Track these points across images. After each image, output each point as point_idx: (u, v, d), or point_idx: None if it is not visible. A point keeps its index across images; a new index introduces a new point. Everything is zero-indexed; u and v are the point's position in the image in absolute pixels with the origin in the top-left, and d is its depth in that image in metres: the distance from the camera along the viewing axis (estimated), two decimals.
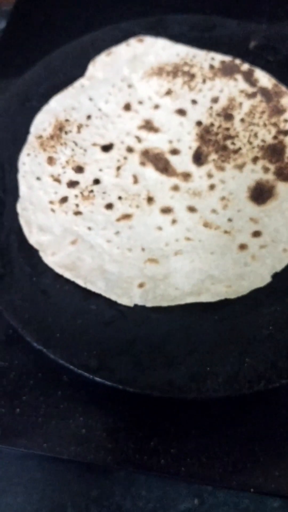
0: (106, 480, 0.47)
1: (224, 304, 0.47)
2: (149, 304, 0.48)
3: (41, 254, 0.51)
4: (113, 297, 0.48)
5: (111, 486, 0.46)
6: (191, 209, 0.54)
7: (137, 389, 0.42)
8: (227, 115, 0.61)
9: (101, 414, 0.46)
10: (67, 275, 0.49)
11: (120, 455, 0.43)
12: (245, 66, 0.65)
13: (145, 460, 0.43)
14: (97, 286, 0.49)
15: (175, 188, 0.56)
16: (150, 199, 0.55)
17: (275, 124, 0.59)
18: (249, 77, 0.64)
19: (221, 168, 0.57)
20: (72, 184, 0.56)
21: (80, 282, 0.49)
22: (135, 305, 0.48)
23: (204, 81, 0.64)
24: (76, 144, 0.60)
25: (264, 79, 0.63)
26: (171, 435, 0.44)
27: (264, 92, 0.62)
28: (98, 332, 0.46)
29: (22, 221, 0.53)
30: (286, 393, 0.46)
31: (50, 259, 0.51)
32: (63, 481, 0.47)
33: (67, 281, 0.49)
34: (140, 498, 0.46)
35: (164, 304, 0.47)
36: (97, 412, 0.46)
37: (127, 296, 0.48)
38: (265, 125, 0.59)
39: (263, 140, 0.58)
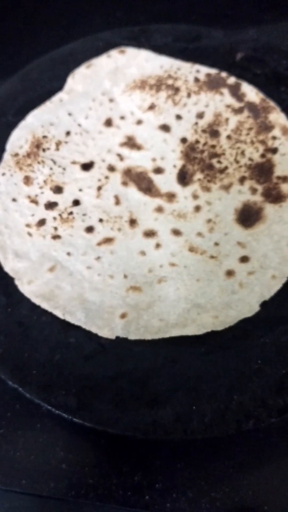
0: (91, 507, 0.44)
1: (210, 336, 0.46)
2: (131, 336, 0.46)
3: (17, 282, 0.49)
4: (94, 329, 0.46)
5: None
6: (176, 232, 0.52)
7: (119, 431, 0.41)
8: (213, 132, 0.59)
9: (83, 448, 0.44)
10: (45, 305, 0.47)
11: (102, 491, 0.42)
12: (232, 80, 0.62)
13: (129, 496, 0.42)
14: (77, 318, 0.46)
15: (159, 209, 0.54)
16: (132, 222, 0.53)
17: (262, 142, 0.57)
18: (235, 91, 0.61)
19: (207, 189, 0.55)
20: (50, 205, 0.54)
21: (58, 313, 0.47)
22: (117, 338, 0.46)
23: (189, 95, 0.62)
24: (54, 162, 0.57)
25: (252, 93, 0.61)
26: (156, 470, 0.43)
27: (251, 107, 0.60)
28: (77, 368, 0.44)
29: None
30: (276, 428, 0.44)
31: (26, 288, 0.48)
32: (45, 510, 0.45)
33: (45, 311, 0.48)
34: None
35: (148, 337, 0.45)
36: (78, 445, 0.44)
37: (109, 328, 0.46)
38: (252, 142, 0.57)
39: (250, 159, 0.56)
